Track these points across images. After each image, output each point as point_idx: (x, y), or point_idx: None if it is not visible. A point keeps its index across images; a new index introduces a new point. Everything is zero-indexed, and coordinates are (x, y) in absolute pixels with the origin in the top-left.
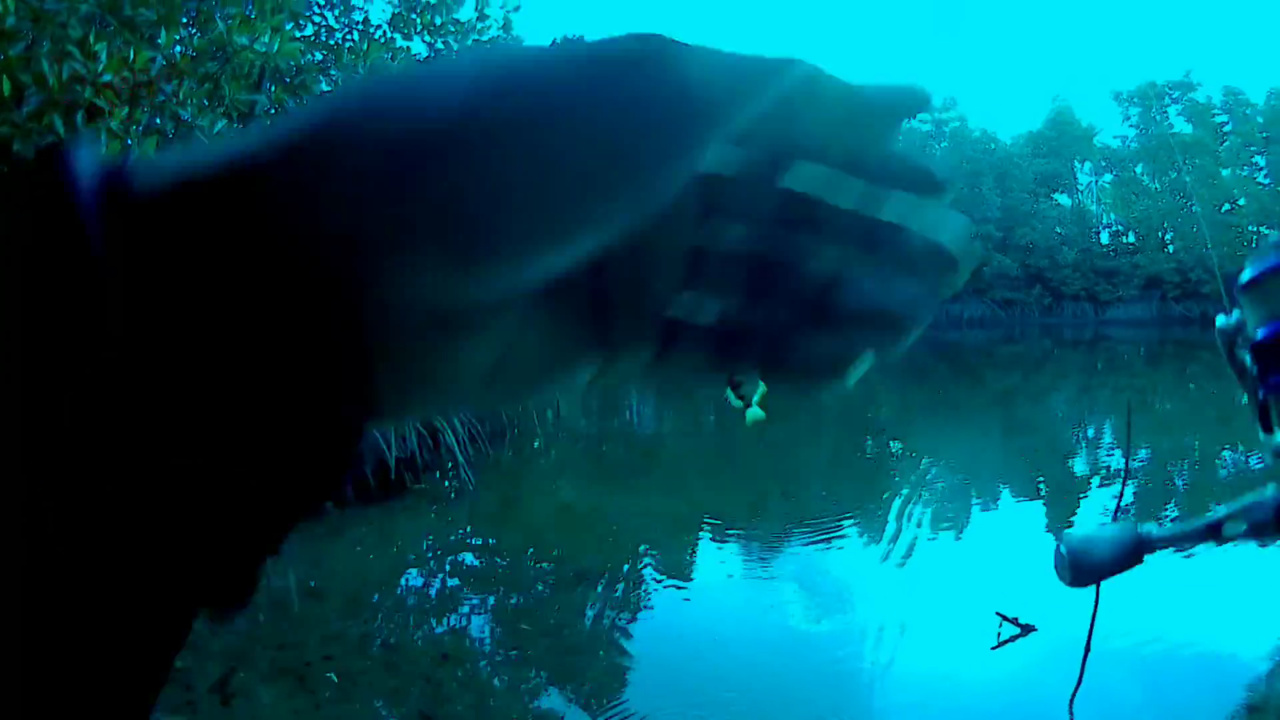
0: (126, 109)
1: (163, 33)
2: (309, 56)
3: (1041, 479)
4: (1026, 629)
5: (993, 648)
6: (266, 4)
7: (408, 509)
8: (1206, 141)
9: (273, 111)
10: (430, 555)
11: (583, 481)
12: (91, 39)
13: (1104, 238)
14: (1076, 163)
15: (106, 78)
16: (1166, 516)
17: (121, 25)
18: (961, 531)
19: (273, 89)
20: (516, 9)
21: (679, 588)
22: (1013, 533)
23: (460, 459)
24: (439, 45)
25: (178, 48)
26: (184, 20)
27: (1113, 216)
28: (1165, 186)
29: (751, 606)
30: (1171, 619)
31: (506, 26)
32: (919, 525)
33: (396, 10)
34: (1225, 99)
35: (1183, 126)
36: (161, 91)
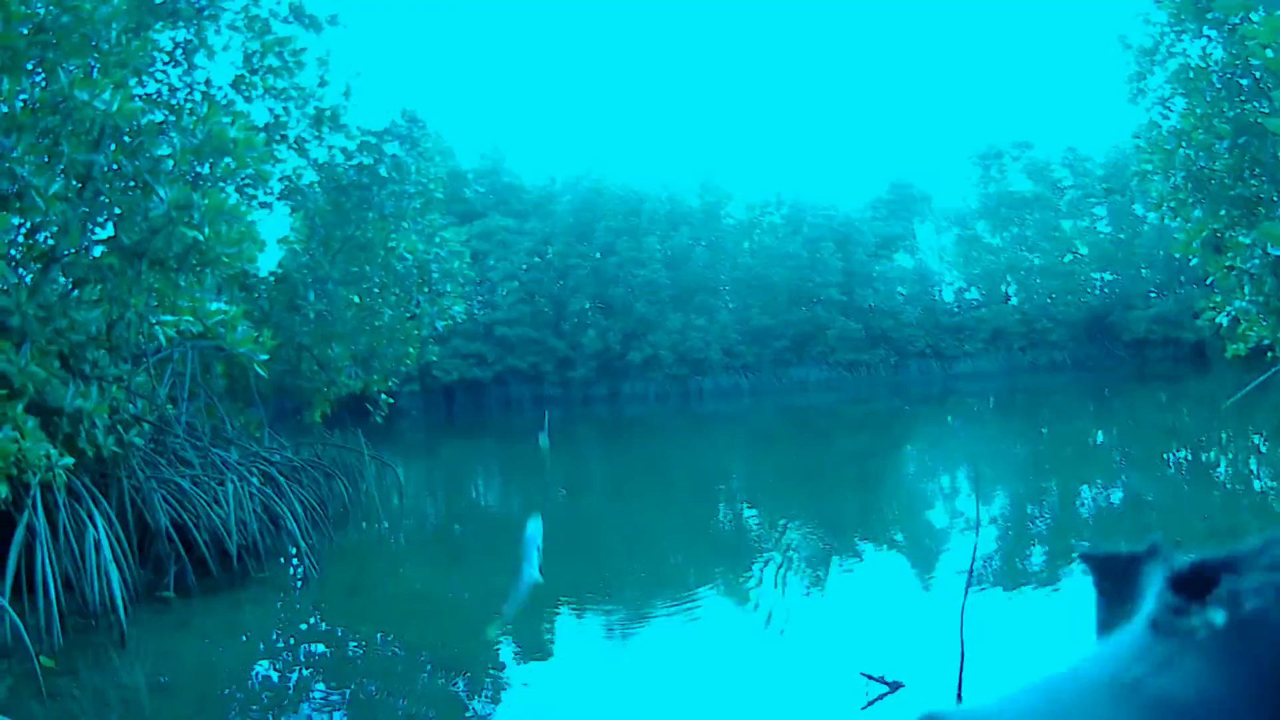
0: None
1: (4, 80)
2: (150, 116)
3: (899, 533)
4: (894, 685)
5: (862, 708)
6: (111, 58)
7: (254, 599)
8: (1046, 196)
9: (111, 172)
10: (281, 646)
11: (433, 564)
12: None
13: (948, 295)
14: (917, 223)
15: None
16: (1027, 556)
17: None
18: (820, 592)
19: (112, 148)
20: (357, 75)
21: (538, 667)
22: (872, 590)
23: (303, 545)
24: (279, 110)
25: (20, 98)
26: (28, 67)
27: (956, 274)
28: (1006, 241)
29: (613, 684)
30: (1039, 661)
31: (347, 94)
32: (777, 589)
33: (239, 71)
34: (1065, 155)
35: (1023, 184)
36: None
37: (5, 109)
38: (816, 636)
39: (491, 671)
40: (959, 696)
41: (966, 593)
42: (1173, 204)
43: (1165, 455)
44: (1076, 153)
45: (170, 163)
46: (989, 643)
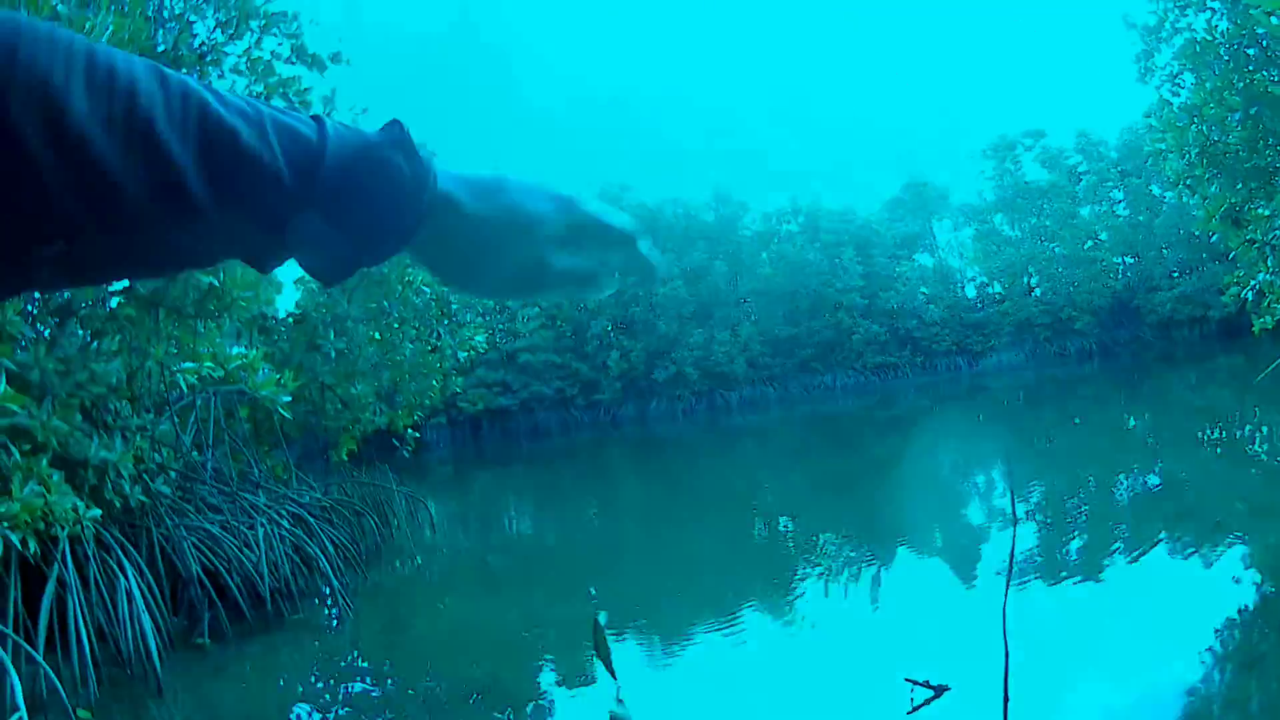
0: None
1: None
2: None
3: (938, 535)
4: (940, 690)
5: (908, 713)
6: None
7: (289, 641)
8: (1062, 184)
9: None
10: (320, 687)
11: (469, 597)
12: None
13: (970, 291)
14: (935, 221)
15: None
16: (1068, 549)
17: None
18: (862, 600)
19: None
20: (364, 112)
21: (586, 693)
22: (914, 594)
23: (336, 584)
24: None
25: None
26: None
27: (976, 269)
28: (1025, 233)
29: (660, 706)
30: (1083, 661)
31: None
32: (818, 600)
33: None
34: (1078, 141)
35: (1038, 173)
36: None
37: None
38: (860, 643)
39: (537, 701)
40: (1005, 697)
41: (1007, 591)
42: (1189, 181)
43: (1199, 436)
44: (1089, 137)
45: None
46: (1034, 640)
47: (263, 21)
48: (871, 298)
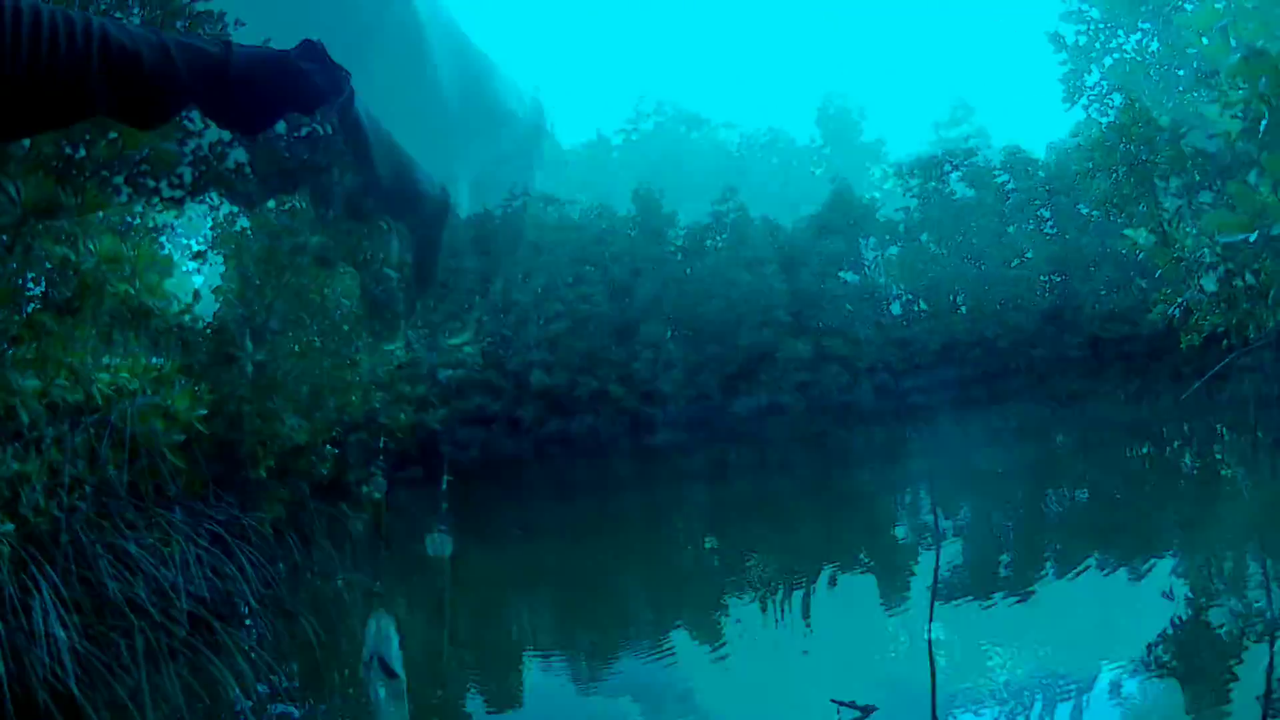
0: None
1: None
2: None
3: (864, 555)
4: (867, 710)
5: None
6: None
7: (209, 663)
8: (989, 202)
9: (41, 228)
10: (239, 709)
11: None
12: None
13: (895, 309)
14: (861, 239)
15: None
16: (996, 567)
17: None
18: (787, 621)
19: None
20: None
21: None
22: (841, 615)
23: (253, 604)
24: None
25: None
26: None
27: (902, 287)
28: (952, 251)
29: None
30: (1009, 673)
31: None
32: (741, 623)
33: None
34: (1006, 159)
35: (964, 191)
36: None
37: None
38: (786, 665)
39: None
40: (934, 717)
41: (931, 611)
42: (1116, 200)
43: (1128, 452)
44: (1018, 155)
45: (99, 214)
46: (962, 659)
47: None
48: (796, 314)
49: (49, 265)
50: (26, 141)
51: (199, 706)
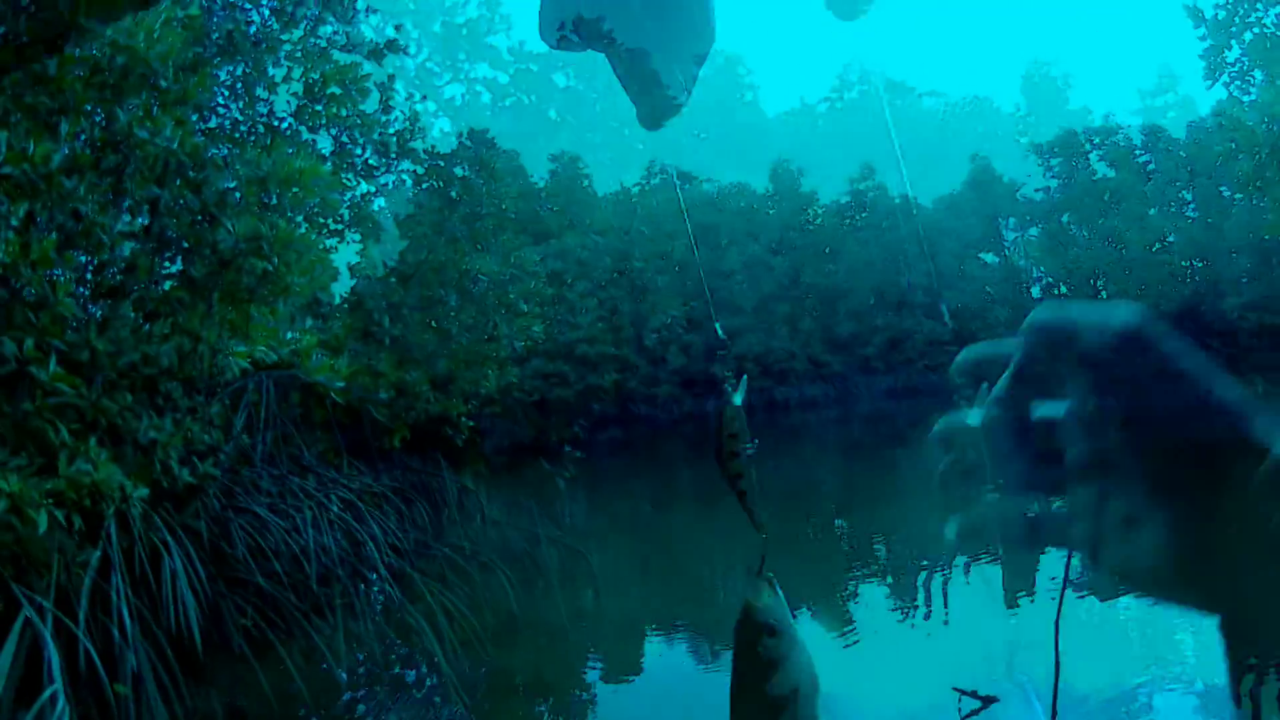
0: (25, 205)
1: (63, 123)
2: (213, 150)
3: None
4: (988, 700)
5: None
6: (169, 95)
7: (334, 626)
8: (1131, 183)
9: (177, 207)
10: (362, 672)
11: (516, 586)
12: None
13: (1035, 292)
14: (1001, 219)
15: (5, 170)
16: None
17: (23, 114)
18: (912, 609)
19: (177, 183)
20: (424, 99)
21: (627, 690)
22: (967, 605)
23: (383, 570)
24: (344, 139)
25: (80, 138)
26: (86, 109)
27: (1042, 269)
28: (1093, 233)
29: (692, 702)
30: (1132, 668)
31: (413, 120)
32: (870, 606)
33: (301, 102)
34: (1146, 138)
35: (1105, 171)
36: (62, 186)
37: (66, 150)
38: (910, 651)
39: (580, 696)
40: (1054, 709)
41: (1061, 602)
42: (1259, 183)
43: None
44: (1160, 134)
45: (237, 195)
46: (1089, 652)
47: (317, 10)
48: (935, 295)
49: (186, 245)
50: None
51: (320, 669)
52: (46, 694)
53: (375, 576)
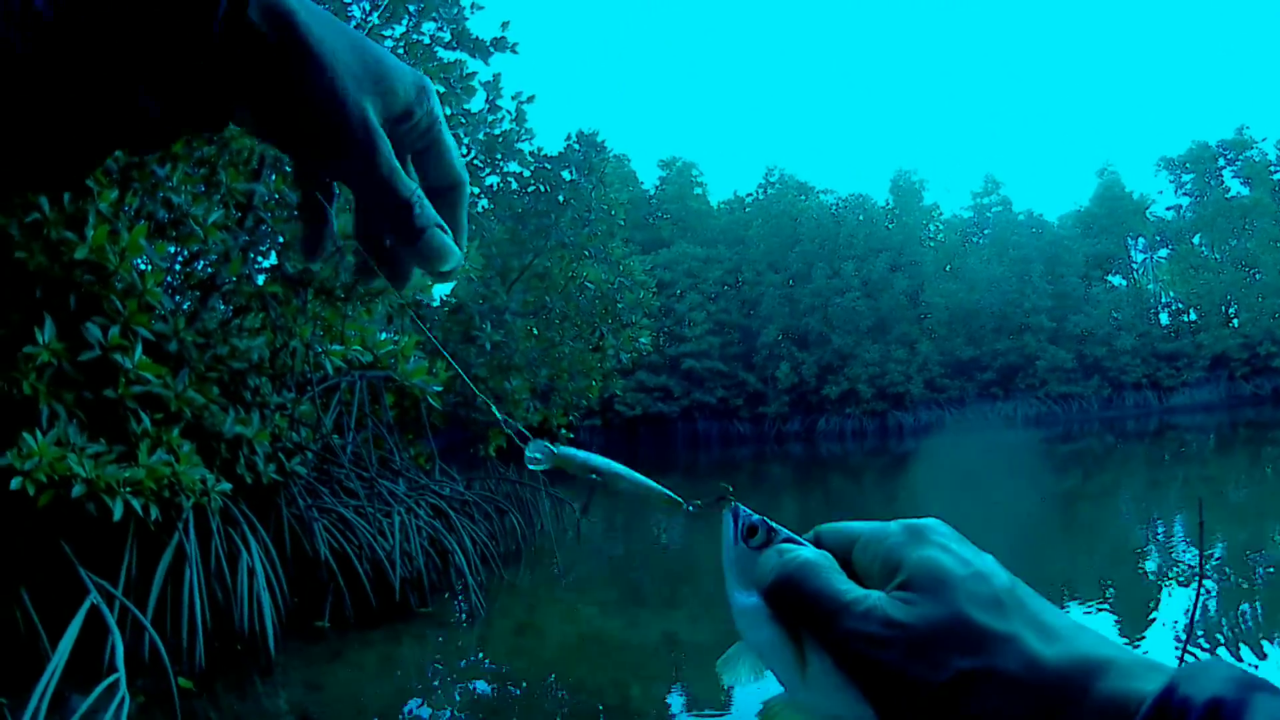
0: (116, 191)
1: None
2: None
3: (1110, 587)
4: None
5: None
6: None
7: (414, 634)
8: (1266, 203)
9: (272, 202)
10: (437, 684)
11: (608, 606)
12: None
13: (1163, 318)
14: (1130, 239)
15: None
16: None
17: None
18: None
19: (273, 178)
20: (530, 100)
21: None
22: None
23: (471, 581)
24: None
25: None
26: None
27: (1171, 294)
28: (1226, 256)
29: None
30: None
31: (519, 118)
32: None
33: None
34: None
35: (1239, 189)
36: (154, 175)
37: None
38: None
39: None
40: None
41: (1184, 652)
42: None
43: None
44: None
45: (335, 191)
46: None
47: (421, 4)
48: (1060, 320)
49: (281, 239)
50: None
51: (394, 677)
52: (106, 681)
53: (461, 586)
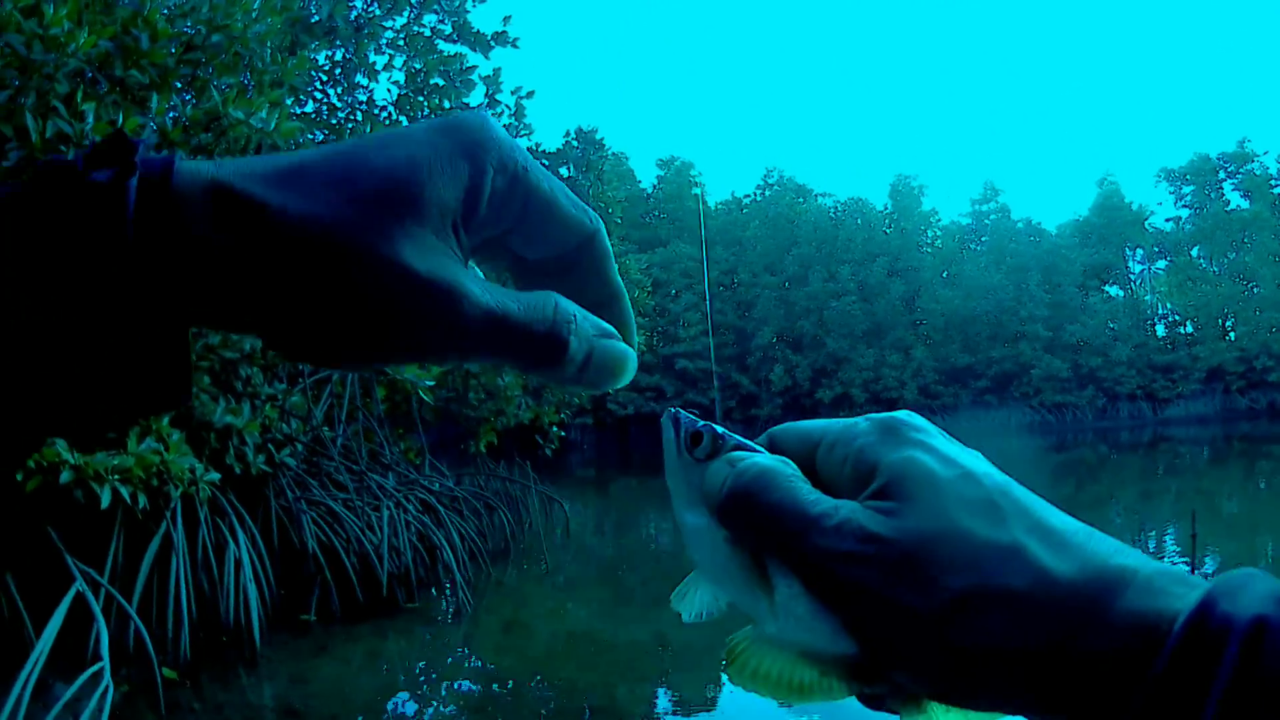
0: None
1: (154, 98)
2: (309, 135)
3: None
4: None
5: None
6: (265, 76)
7: (400, 629)
8: (1265, 216)
9: None
10: (423, 680)
11: (596, 605)
12: (79, 98)
13: (1160, 329)
14: (1128, 250)
15: (93, 140)
16: None
17: (112, 86)
18: None
19: None
20: (529, 95)
21: None
22: None
23: (459, 578)
24: None
25: (170, 115)
26: (178, 86)
27: (1169, 306)
28: (1224, 269)
29: None
30: None
31: (518, 114)
32: None
33: (403, 91)
34: None
35: (1239, 202)
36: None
37: (155, 125)
38: None
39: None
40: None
41: None
42: None
43: None
44: None
45: None
46: None
47: None
48: (1056, 329)
49: None
50: None
51: (380, 672)
52: (91, 670)
53: (448, 583)
